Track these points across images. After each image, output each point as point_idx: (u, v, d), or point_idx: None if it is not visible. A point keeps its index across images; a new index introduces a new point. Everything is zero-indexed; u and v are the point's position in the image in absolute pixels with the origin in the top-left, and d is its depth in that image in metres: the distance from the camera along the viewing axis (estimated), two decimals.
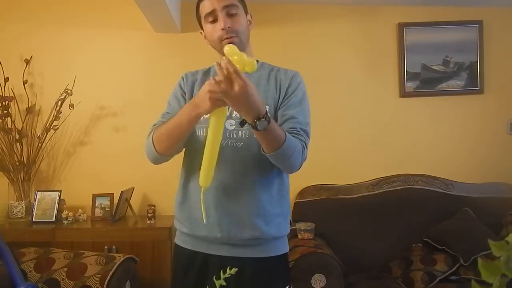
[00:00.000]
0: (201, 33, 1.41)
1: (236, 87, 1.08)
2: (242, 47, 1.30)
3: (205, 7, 1.33)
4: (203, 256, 1.36)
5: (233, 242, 1.33)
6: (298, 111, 1.33)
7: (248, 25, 1.39)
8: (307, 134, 1.33)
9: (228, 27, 1.31)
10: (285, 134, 1.22)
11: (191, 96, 1.40)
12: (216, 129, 1.22)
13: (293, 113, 1.32)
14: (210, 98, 1.14)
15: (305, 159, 1.31)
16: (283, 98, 1.36)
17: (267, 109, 1.31)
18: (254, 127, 1.15)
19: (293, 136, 1.26)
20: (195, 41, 2.71)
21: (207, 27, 1.35)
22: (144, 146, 1.38)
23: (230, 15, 1.31)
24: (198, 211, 1.34)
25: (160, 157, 1.34)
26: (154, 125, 1.39)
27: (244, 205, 1.33)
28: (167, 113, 1.40)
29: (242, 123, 1.19)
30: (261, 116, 1.14)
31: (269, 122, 1.15)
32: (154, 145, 1.31)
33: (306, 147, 1.31)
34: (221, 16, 1.31)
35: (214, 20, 1.32)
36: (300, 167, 1.31)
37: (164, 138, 1.30)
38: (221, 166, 1.31)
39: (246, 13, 1.39)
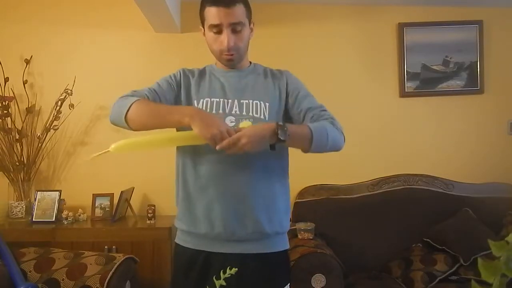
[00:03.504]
0: (201, 29, 1.41)
1: (243, 140, 1.17)
2: (240, 59, 1.39)
3: (212, 18, 1.32)
4: (206, 255, 1.35)
5: (236, 238, 1.34)
6: (309, 101, 1.41)
7: (249, 34, 1.40)
8: (327, 111, 1.40)
9: (231, 46, 1.33)
10: (307, 126, 1.27)
11: (184, 92, 1.41)
12: (183, 139, 1.30)
13: (306, 105, 1.39)
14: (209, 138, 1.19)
15: (342, 128, 1.37)
16: (289, 97, 1.42)
17: (268, 106, 1.36)
18: (281, 141, 1.21)
19: (318, 121, 1.33)
20: (195, 41, 2.72)
21: (210, 35, 1.36)
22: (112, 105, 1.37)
23: (234, 32, 1.33)
24: (199, 207, 1.35)
25: (125, 125, 1.33)
26: (134, 91, 1.38)
27: (248, 201, 1.33)
28: (154, 90, 1.38)
29: (272, 148, 1.25)
30: (276, 129, 1.20)
31: (286, 127, 1.21)
32: (127, 112, 1.29)
33: (335, 119, 1.38)
34: (226, 32, 1.32)
35: (219, 32, 1.33)
36: (345, 139, 1.38)
37: (145, 118, 1.29)
38: (224, 162, 1.32)
39: (250, 21, 1.39)
